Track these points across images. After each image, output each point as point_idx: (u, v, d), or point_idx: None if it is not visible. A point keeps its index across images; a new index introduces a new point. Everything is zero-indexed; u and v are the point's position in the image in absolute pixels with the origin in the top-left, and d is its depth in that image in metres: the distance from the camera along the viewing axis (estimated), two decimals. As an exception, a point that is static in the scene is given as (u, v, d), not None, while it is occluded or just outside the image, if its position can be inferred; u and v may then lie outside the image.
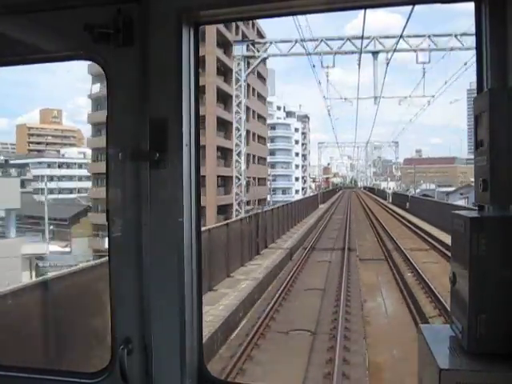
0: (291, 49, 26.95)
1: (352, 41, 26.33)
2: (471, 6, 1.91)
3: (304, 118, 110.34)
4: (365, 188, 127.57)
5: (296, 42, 26.36)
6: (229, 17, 2.18)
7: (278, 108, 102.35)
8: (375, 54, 26.82)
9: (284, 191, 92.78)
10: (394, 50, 26.18)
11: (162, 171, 1.94)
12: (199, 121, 2.04)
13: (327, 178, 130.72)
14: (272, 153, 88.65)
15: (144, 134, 1.94)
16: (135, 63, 1.95)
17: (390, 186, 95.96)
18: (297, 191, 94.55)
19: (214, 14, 2.06)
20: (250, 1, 1.99)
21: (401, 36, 25.13)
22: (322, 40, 26.42)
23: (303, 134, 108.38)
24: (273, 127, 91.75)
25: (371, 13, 25.13)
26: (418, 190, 75.49)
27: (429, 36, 25.95)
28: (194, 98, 2.01)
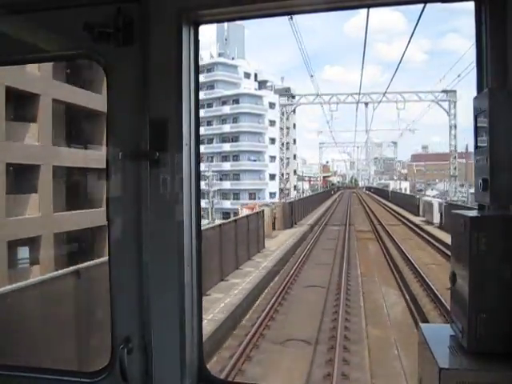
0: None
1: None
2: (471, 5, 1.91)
3: (285, 92, 68.45)
4: (368, 189, 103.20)
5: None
6: (228, 16, 2.18)
7: (247, 75, 68.57)
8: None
9: (252, 195, 63.23)
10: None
11: (161, 171, 1.94)
12: (199, 121, 2.04)
13: (324, 177, 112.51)
14: (234, 138, 64.47)
15: (144, 133, 1.94)
16: (135, 63, 1.95)
17: (401, 186, 76.28)
18: (273, 194, 59.47)
19: (214, 13, 2.06)
20: (249, 0, 1.99)
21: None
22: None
23: (284, 114, 68.08)
24: (235, 100, 64.93)
25: (371, 11, 25.09)
26: (433, 192, 58.83)
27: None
28: (194, 97, 2.01)
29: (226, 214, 48.87)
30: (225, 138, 65.14)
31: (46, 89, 20.53)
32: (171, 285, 1.95)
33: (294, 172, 74.41)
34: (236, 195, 62.69)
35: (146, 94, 1.94)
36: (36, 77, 19.48)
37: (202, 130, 58.71)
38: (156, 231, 1.95)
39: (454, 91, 38.45)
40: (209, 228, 16.40)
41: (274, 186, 60.43)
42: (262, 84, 69.94)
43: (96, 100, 20.18)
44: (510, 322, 1.66)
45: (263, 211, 25.16)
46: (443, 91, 38.68)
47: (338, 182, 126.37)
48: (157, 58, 1.94)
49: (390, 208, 48.19)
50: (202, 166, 53.38)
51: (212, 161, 62.00)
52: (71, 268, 8.41)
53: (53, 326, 7.36)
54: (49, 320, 7.44)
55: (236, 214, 40.60)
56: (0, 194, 18.43)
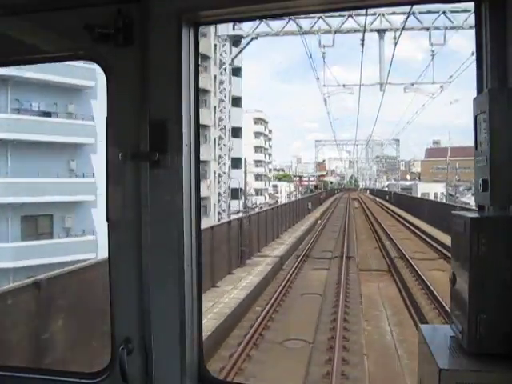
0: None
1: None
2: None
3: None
4: (381, 195, 70.41)
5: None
6: (229, 17, 2.18)
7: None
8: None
9: (40, 221, 24.19)
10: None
11: (161, 171, 1.94)
12: (199, 121, 2.04)
13: (320, 176, 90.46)
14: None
15: (144, 134, 1.94)
16: (135, 63, 1.95)
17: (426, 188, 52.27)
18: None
19: (214, 14, 2.06)
20: (250, 1, 1.99)
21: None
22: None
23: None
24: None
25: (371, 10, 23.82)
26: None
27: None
28: (194, 98, 2.02)
29: None
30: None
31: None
32: (171, 285, 1.95)
33: (233, 163, 32.50)
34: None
35: (146, 94, 1.95)
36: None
37: None
38: (156, 232, 1.95)
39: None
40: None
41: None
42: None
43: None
44: (509, 323, 1.66)
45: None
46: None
47: (331, 182, 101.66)
48: (157, 59, 1.95)
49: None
50: None
51: None
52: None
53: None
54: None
55: None
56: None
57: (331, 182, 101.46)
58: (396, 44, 22.50)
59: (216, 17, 2.12)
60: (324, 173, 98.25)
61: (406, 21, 21.94)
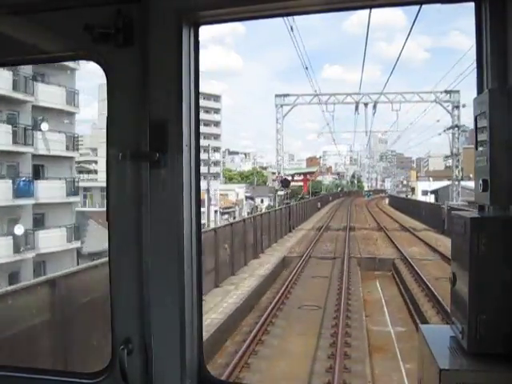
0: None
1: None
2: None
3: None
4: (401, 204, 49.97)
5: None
6: (229, 17, 2.18)
7: None
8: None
9: None
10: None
11: (162, 171, 1.94)
12: (199, 121, 2.04)
13: (307, 174, 62.55)
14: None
15: (144, 134, 1.94)
16: (135, 63, 1.95)
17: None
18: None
19: (214, 14, 2.06)
20: (249, 1, 1.99)
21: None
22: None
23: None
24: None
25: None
26: None
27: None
28: (195, 98, 2.02)
29: None
30: None
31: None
32: (171, 285, 1.95)
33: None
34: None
35: (146, 94, 1.95)
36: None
37: None
38: (156, 232, 1.95)
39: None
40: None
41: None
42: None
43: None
44: (510, 323, 1.66)
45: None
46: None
47: (297, 187, 59.44)
48: (157, 59, 1.95)
49: None
50: None
51: None
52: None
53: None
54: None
55: None
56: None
57: (304, 185, 57.32)
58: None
59: (216, 17, 2.12)
60: (314, 169, 71.36)
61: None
